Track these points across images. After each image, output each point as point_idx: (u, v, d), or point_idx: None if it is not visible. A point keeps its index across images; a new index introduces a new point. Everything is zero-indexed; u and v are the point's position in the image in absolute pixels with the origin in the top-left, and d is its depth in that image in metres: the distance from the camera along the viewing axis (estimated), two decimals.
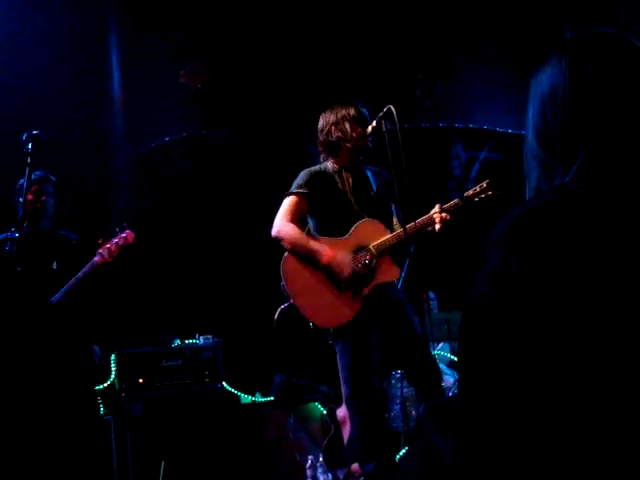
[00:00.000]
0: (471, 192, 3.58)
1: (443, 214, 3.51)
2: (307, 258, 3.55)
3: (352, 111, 3.67)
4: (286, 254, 3.60)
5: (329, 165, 3.72)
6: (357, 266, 3.55)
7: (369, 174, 3.81)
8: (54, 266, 4.10)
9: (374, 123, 3.58)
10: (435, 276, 5.73)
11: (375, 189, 3.78)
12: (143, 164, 6.23)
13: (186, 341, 5.22)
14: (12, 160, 3.94)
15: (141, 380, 4.83)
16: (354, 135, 3.63)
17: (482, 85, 6.32)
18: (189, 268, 6.11)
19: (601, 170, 1.09)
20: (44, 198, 4.18)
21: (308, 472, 4.92)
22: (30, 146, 3.66)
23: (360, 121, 3.64)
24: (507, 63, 6.07)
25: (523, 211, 1.09)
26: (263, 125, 6.35)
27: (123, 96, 6.00)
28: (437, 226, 3.51)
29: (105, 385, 4.82)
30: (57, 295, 3.95)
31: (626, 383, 0.95)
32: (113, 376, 4.84)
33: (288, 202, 3.64)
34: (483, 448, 1.00)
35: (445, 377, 5.52)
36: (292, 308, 3.56)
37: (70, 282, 3.95)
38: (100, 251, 3.96)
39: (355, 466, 4.74)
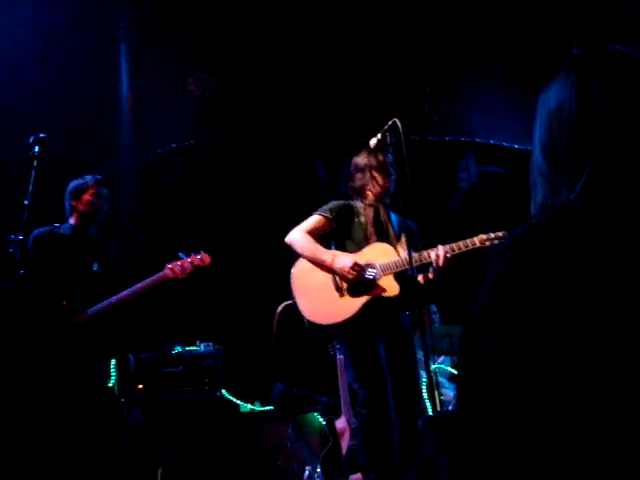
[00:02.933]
0: (485, 237, 3.59)
1: (447, 255, 3.58)
2: (313, 258, 3.79)
3: (375, 160, 3.87)
4: (298, 260, 3.85)
5: (358, 203, 3.96)
6: (362, 277, 3.70)
7: (393, 215, 3.98)
8: (95, 268, 4.14)
9: (379, 136, 3.65)
10: (437, 289, 5.72)
11: (396, 227, 3.94)
12: (148, 170, 6.25)
13: (187, 348, 5.21)
14: (20, 164, 3.95)
15: (141, 386, 4.83)
16: (378, 182, 3.87)
17: (489, 100, 6.34)
18: (191, 275, 6.10)
19: (606, 187, 1.09)
20: (102, 202, 4.22)
21: None
22: (37, 149, 3.68)
23: (383, 169, 3.86)
24: (515, 79, 6.08)
25: (528, 226, 1.09)
26: (269, 134, 6.37)
27: (131, 102, 6.02)
28: (440, 262, 3.57)
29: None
30: (110, 299, 4.00)
31: (627, 402, 0.95)
32: (113, 381, 4.83)
33: (311, 219, 3.89)
34: (480, 463, 1.00)
35: (445, 391, 5.51)
36: (294, 307, 3.70)
37: (130, 289, 4.01)
38: (170, 266, 4.02)
39: (354, 478, 4.74)
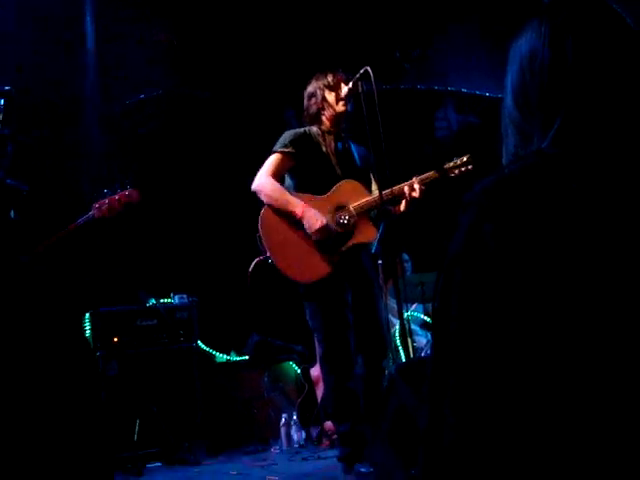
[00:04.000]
0: (451, 164, 3.64)
1: (418, 185, 3.57)
2: (284, 212, 3.56)
3: (327, 79, 3.72)
4: (265, 207, 3.61)
5: (313, 128, 3.76)
6: (335, 224, 3.58)
7: (353, 146, 3.85)
8: (12, 216, 3.82)
9: (350, 85, 3.61)
10: (409, 238, 5.76)
11: (358, 159, 3.81)
12: (117, 122, 6.15)
13: (161, 300, 5.22)
14: None
15: (116, 339, 4.84)
16: (329, 102, 3.70)
17: (461, 48, 6.30)
18: (163, 226, 6.08)
19: (578, 136, 1.09)
20: None
21: (282, 429, 4.99)
22: (2, 102, 3.59)
23: (335, 88, 3.70)
24: (487, 25, 6.04)
25: (499, 175, 1.10)
26: (239, 85, 6.29)
27: (97, 53, 5.88)
28: (415, 194, 3.57)
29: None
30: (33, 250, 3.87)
31: (595, 346, 0.97)
32: (88, 334, 4.84)
33: (271, 159, 3.67)
34: (455, 408, 1.02)
35: (417, 338, 5.59)
36: (267, 261, 3.57)
37: (57, 235, 3.83)
38: (97, 205, 3.73)
39: (328, 424, 4.83)
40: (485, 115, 6.57)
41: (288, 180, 3.74)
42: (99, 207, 3.75)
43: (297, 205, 3.55)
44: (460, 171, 3.63)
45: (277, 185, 3.62)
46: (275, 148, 3.68)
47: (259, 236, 3.55)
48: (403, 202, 3.63)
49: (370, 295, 3.68)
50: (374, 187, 3.76)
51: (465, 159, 3.63)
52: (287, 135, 3.71)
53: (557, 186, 1.03)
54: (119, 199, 3.76)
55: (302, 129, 3.76)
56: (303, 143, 3.68)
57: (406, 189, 3.57)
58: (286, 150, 3.65)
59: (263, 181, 3.62)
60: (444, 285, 1.08)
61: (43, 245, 3.76)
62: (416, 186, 3.57)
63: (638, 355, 0.96)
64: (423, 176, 3.62)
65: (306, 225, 3.51)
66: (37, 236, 3.86)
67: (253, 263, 3.62)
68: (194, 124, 6.37)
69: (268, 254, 3.52)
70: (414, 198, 3.57)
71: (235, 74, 6.24)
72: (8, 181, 3.82)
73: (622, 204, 1.02)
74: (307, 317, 3.64)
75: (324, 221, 3.51)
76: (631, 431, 0.94)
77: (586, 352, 0.97)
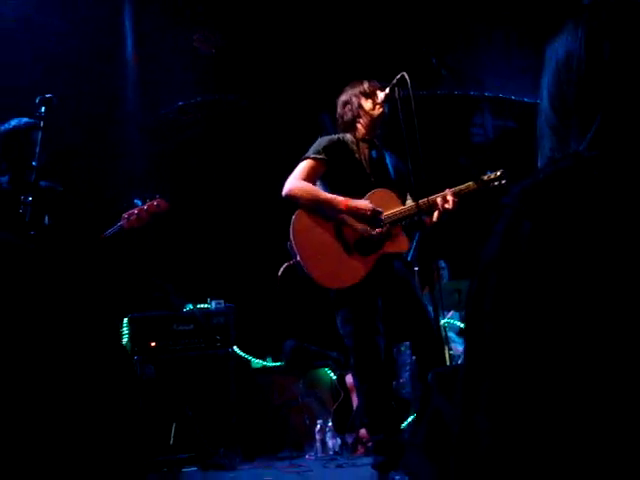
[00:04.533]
0: (485, 178, 3.61)
1: (452, 197, 3.54)
2: (321, 211, 3.53)
3: (361, 87, 3.71)
4: (298, 211, 3.57)
5: (348, 136, 3.73)
6: (368, 231, 3.55)
7: (387, 155, 3.82)
8: (46, 221, 3.88)
9: (387, 90, 3.59)
10: (446, 245, 5.72)
11: (391, 169, 3.78)
12: (156, 129, 6.22)
13: (198, 306, 5.25)
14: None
15: (153, 344, 4.88)
16: (365, 109, 3.68)
17: (498, 53, 6.25)
18: (201, 233, 6.13)
19: (615, 139, 1.08)
20: (33, 147, 3.73)
21: (317, 436, 4.99)
22: (43, 110, 3.64)
23: (371, 95, 3.68)
24: (524, 31, 5.99)
25: (536, 178, 1.09)
26: (276, 92, 6.32)
27: (137, 60, 5.97)
28: (447, 205, 3.53)
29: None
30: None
31: (631, 357, 0.96)
32: (126, 339, 4.89)
33: (303, 165, 3.63)
34: (489, 415, 1.01)
35: (454, 345, 5.55)
36: (297, 266, 3.54)
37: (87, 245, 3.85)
38: (126, 216, 3.81)
39: (363, 431, 4.81)
40: (523, 120, 6.50)
41: (320, 187, 3.72)
42: (128, 217, 3.79)
43: (339, 200, 3.53)
44: (493, 185, 3.59)
45: (311, 185, 3.58)
46: (307, 154, 3.65)
47: (290, 243, 3.54)
48: (435, 213, 3.58)
49: (412, 298, 3.63)
50: (407, 196, 3.74)
51: (499, 173, 3.60)
52: (320, 141, 3.69)
53: (595, 189, 1.02)
54: (147, 209, 3.82)
55: (336, 136, 3.74)
56: (336, 150, 3.65)
57: (439, 200, 3.54)
58: (319, 157, 3.62)
59: (296, 184, 3.58)
60: (478, 289, 1.07)
61: (77, 254, 3.83)
62: (449, 198, 3.53)
63: None
64: (457, 188, 3.58)
65: (356, 212, 3.49)
66: (71, 242, 3.92)
67: (282, 268, 3.61)
68: (230, 131, 6.42)
69: (298, 259, 3.50)
70: (447, 210, 3.53)
71: (271, 81, 6.27)
72: (42, 183, 3.88)
73: None
74: (338, 324, 3.63)
75: (372, 206, 3.49)
76: None
77: (622, 358, 0.95)
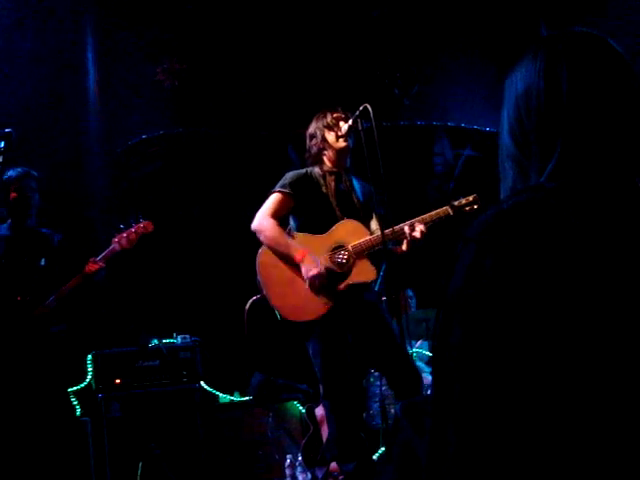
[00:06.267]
0: (456, 203, 3.62)
1: (420, 226, 3.55)
2: (282, 253, 3.56)
3: (325, 119, 3.74)
4: (262, 247, 3.62)
5: (315, 169, 3.76)
6: (333, 263, 3.56)
7: (355, 182, 3.84)
8: (42, 263, 4.11)
9: (350, 122, 3.62)
10: (413, 274, 5.74)
11: (361, 196, 3.79)
12: (119, 162, 6.18)
13: (163, 340, 5.18)
14: None
15: (118, 380, 4.79)
16: (329, 142, 3.70)
17: (460, 83, 6.35)
18: (165, 267, 6.07)
19: (575, 170, 1.09)
20: (29, 195, 4.14)
21: (287, 471, 4.91)
22: (2, 145, 3.60)
23: (333, 127, 3.71)
24: (485, 61, 6.09)
25: (498, 209, 1.08)
26: (241, 123, 6.33)
27: (99, 93, 5.93)
28: (415, 234, 3.53)
29: (82, 386, 4.78)
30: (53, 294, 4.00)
31: (597, 385, 0.95)
32: (90, 377, 4.79)
33: (272, 199, 3.67)
34: (456, 447, 1.00)
35: (424, 375, 5.53)
36: (264, 300, 3.55)
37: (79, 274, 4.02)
38: (116, 240, 4.08)
39: (334, 465, 4.74)
40: (484, 148, 6.59)
41: (292, 221, 3.74)
42: (118, 241, 4.02)
43: (297, 250, 3.55)
44: (466, 210, 3.61)
45: (277, 227, 3.61)
46: (275, 188, 3.69)
47: (257, 279, 3.55)
48: (404, 242, 3.59)
49: (383, 328, 3.63)
50: (374, 226, 3.74)
51: (471, 199, 3.62)
52: (287, 176, 3.72)
53: (556, 220, 1.02)
54: (136, 231, 4.13)
55: (303, 170, 3.77)
56: (302, 184, 3.68)
57: (406, 229, 3.55)
58: (285, 191, 3.65)
59: (263, 222, 3.62)
60: (444, 323, 1.06)
61: (70, 285, 4.00)
62: (417, 227, 3.54)
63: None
64: (427, 215, 3.60)
65: (303, 271, 3.50)
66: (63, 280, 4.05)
67: (249, 302, 3.62)
68: (197, 164, 6.40)
69: (265, 293, 3.51)
70: (415, 238, 3.54)
71: (237, 113, 6.28)
72: (44, 230, 4.05)
73: (620, 238, 1.00)
74: (310, 355, 3.61)
75: (322, 270, 3.49)
76: None
77: (584, 391, 0.95)
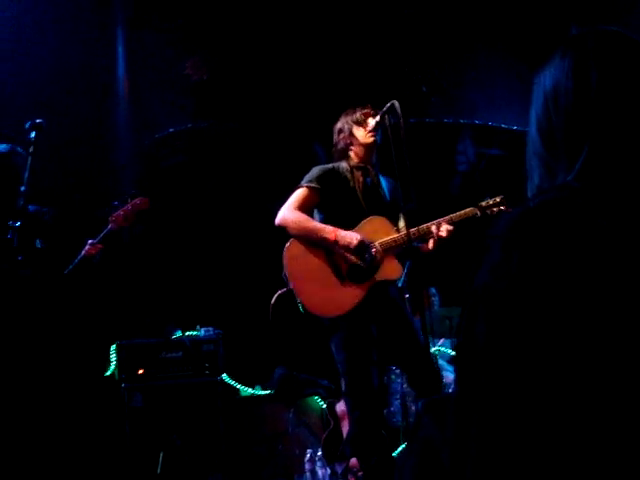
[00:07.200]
0: (484, 204, 3.61)
1: (446, 225, 3.54)
2: (312, 240, 3.53)
3: (353, 115, 3.73)
4: (290, 241, 3.58)
5: (343, 164, 3.74)
6: (360, 260, 3.54)
7: (382, 179, 3.83)
8: (38, 245, 3.93)
9: (377, 118, 3.61)
10: (437, 272, 5.72)
11: (387, 193, 3.79)
12: (146, 155, 6.23)
13: (187, 333, 5.21)
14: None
15: (141, 371, 4.82)
16: (357, 137, 3.70)
17: (489, 82, 6.31)
18: (190, 259, 6.11)
19: (603, 169, 1.08)
20: (17, 172, 3.79)
21: (307, 465, 4.92)
22: (33, 135, 3.64)
23: (362, 123, 3.70)
24: (514, 60, 6.04)
25: (525, 208, 1.08)
26: (267, 119, 6.34)
27: (128, 87, 5.98)
28: (442, 233, 3.53)
29: (105, 376, 4.83)
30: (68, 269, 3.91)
31: (624, 384, 0.95)
32: (113, 367, 4.84)
33: (297, 194, 3.64)
34: (479, 444, 1.00)
35: (445, 373, 5.52)
36: (289, 294, 3.53)
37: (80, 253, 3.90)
38: (113, 218, 3.96)
39: (354, 461, 4.74)
40: (511, 147, 6.54)
41: (317, 216, 3.73)
42: (115, 219, 3.90)
43: (328, 230, 3.53)
44: (492, 211, 3.59)
45: (303, 215, 3.58)
46: (302, 183, 3.67)
47: (284, 273, 3.54)
48: (431, 241, 3.59)
49: (406, 325, 3.62)
50: (401, 223, 3.73)
51: (498, 199, 3.60)
52: (315, 170, 3.69)
53: (582, 219, 1.02)
54: (132, 208, 4.01)
55: (330, 165, 3.75)
56: (330, 179, 3.66)
57: (433, 228, 3.54)
58: (312, 185, 3.63)
59: (287, 214, 3.59)
60: (469, 320, 1.06)
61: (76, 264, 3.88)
62: (444, 226, 3.54)
63: None
64: (454, 215, 3.59)
65: (343, 243, 3.48)
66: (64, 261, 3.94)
67: (275, 296, 3.60)
68: (223, 158, 6.42)
69: (291, 287, 3.49)
70: (441, 238, 3.53)
71: (264, 109, 6.29)
72: (30, 207, 3.89)
73: None
74: (332, 351, 3.61)
75: (359, 237, 3.48)
76: None
77: (611, 390, 0.94)
